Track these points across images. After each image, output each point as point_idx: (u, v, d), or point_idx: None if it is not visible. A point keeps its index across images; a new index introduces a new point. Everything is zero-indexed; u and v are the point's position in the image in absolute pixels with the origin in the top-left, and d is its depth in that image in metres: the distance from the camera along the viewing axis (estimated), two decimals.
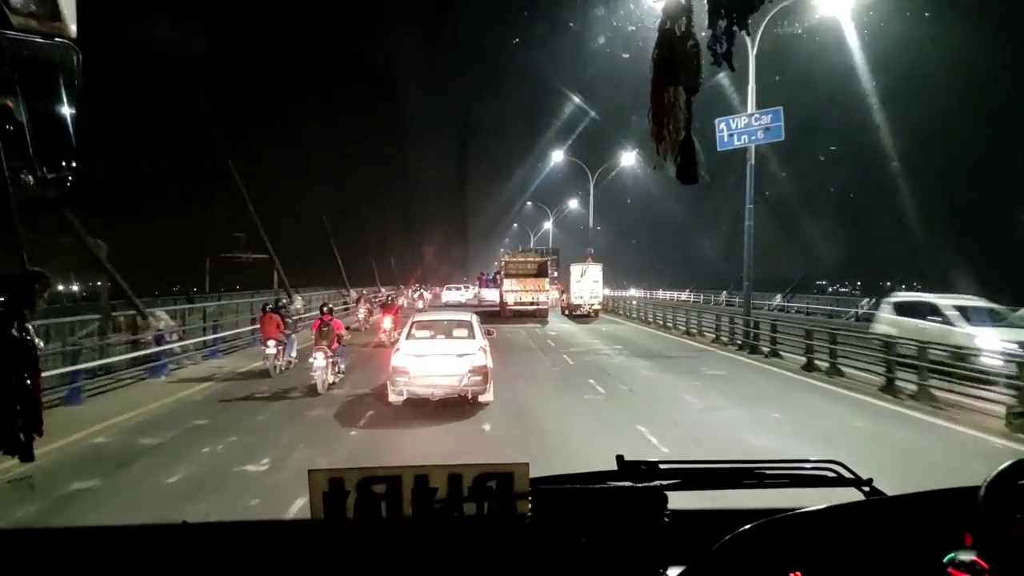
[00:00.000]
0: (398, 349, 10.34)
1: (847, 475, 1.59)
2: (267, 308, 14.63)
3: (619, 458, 1.60)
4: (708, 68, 1.15)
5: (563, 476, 1.56)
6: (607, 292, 39.42)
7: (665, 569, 1.34)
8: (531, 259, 34.49)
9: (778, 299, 35.90)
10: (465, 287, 51.63)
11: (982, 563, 1.27)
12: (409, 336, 10.91)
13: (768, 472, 1.59)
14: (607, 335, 24.27)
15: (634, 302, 40.18)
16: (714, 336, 21.29)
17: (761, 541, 1.34)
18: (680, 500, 1.56)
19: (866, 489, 1.58)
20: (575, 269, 33.76)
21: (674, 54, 1.13)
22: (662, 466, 1.56)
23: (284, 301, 19.65)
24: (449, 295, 47.40)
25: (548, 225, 59.91)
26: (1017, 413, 8.87)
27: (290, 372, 13.80)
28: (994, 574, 1.22)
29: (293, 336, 14.56)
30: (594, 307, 33.38)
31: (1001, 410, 9.39)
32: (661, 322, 27.80)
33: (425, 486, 1.46)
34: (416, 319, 11.79)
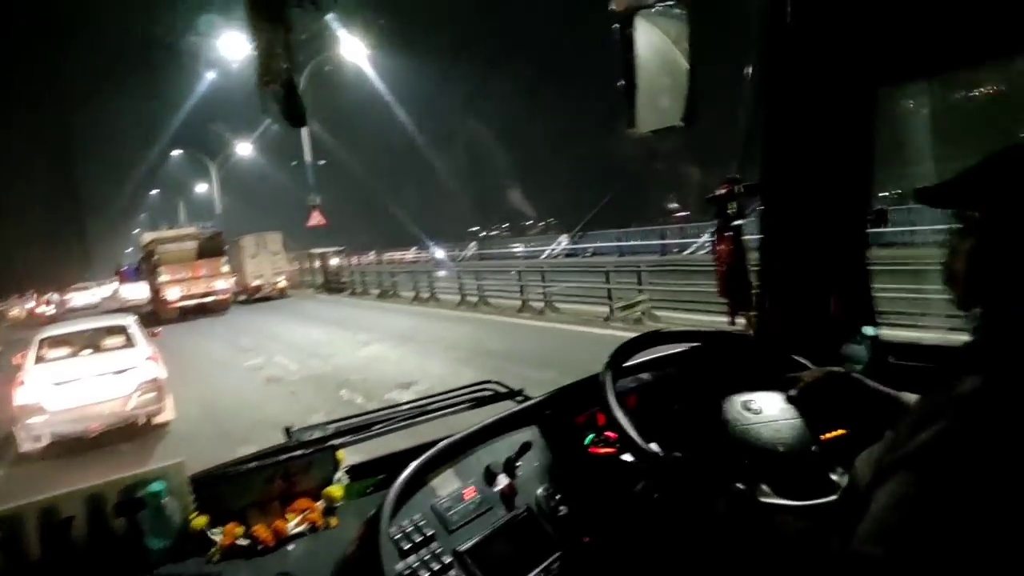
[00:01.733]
0: (22, 381, 7.86)
1: (501, 390, 1.76)
2: None
3: (286, 429, 1.55)
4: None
5: (227, 463, 1.45)
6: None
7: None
8: (190, 235, 25.92)
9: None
10: (99, 285, 40.32)
11: (611, 435, 1.52)
12: (39, 359, 8.42)
13: (432, 406, 1.69)
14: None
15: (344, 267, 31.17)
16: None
17: (431, 470, 1.41)
18: (359, 454, 1.57)
19: (520, 399, 1.77)
20: (247, 242, 27.42)
21: None
22: (331, 427, 1.55)
23: None
24: (79, 298, 35.34)
25: (206, 187, 44.81)
26: (622, 307, 11.71)
27: None
28: (622, 440, 1.44)
29: None
30: (278, 284, 27.32)
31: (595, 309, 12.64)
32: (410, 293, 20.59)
33: (54, 519, 1.23)
34: (45, 335, 9.08)
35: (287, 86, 1.04)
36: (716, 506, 1.15)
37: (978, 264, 0.99)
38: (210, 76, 36.41)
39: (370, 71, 29.48)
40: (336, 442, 1.52)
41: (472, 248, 34.16)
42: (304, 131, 26.00)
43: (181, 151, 45.81)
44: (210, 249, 24.39)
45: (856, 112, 1.68)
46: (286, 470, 1.42)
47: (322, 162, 29.28)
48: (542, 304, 14.25)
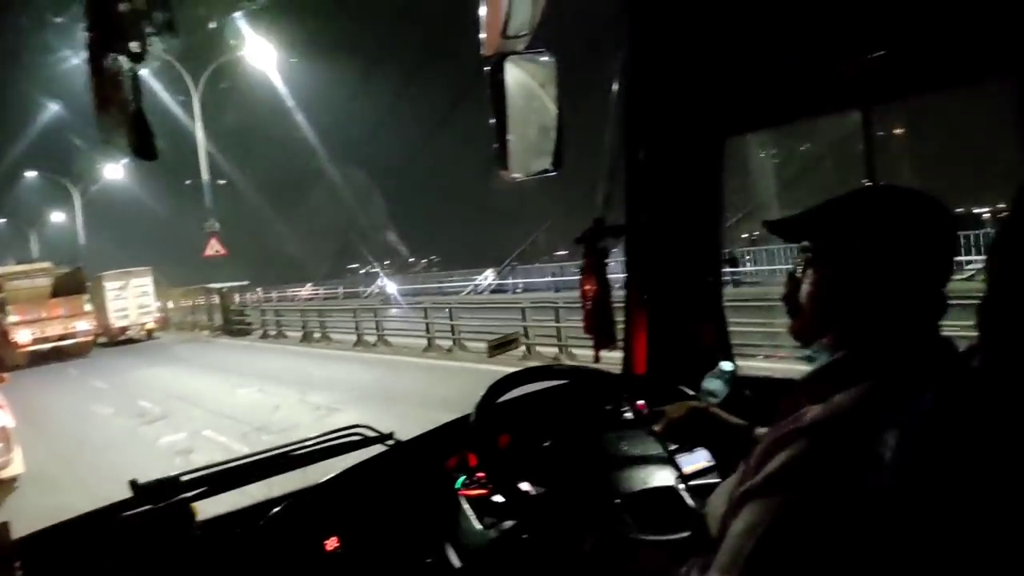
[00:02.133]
0: None
1: (371, 434, 1.70)
2: None
3: (132, 483, 1.41)
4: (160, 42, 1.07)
5: (62, 524, 1.31)
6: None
7: None
8: (44, 270, 22.95)
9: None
10: None
11: (483, 475, 1.51)
12: None
13: (297, 453, 1.60)
14: None
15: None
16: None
17: (288, 520, 1.34)
18: (218, 506, 1.47)
19: (390, 443, 1.71)
20: (111, 279, 24.31)
21: (111, 20, 1.01)
22: (184, 478, 1.43)
23: None
24: None
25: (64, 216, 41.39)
26: (494, 345, 11.57)
27: None
28: (493, 481, 1.44)
29: None
30: (146, 326, 24.51)
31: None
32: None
33: None
34: None
35: (134, 117, 0.98)
36: (583, 544, 1.17)
37: (817, 297, 1.07)
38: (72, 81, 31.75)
39: (278, 80, 27.84)
40: (189, 494, 1.41)
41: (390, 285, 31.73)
42: (201, 141, 24.25)
43: (35, 173, 39.63)
44: (68, 286, 21.74)
45: (707, 159, 1.82)
46: (130, 528, 1.30)
47: (221, 182, 26.91)
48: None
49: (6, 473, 7.02)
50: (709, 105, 1.75)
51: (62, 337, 20.88)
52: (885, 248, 0.99)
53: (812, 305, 1.08)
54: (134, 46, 0.99)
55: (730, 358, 1.91)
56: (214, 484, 1.46)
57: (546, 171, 1.76)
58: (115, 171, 33.87)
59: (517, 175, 1.75)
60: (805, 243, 1.11)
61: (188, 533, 1.35)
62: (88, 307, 21.73)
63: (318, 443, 1.64)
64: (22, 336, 20.33)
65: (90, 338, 21.65)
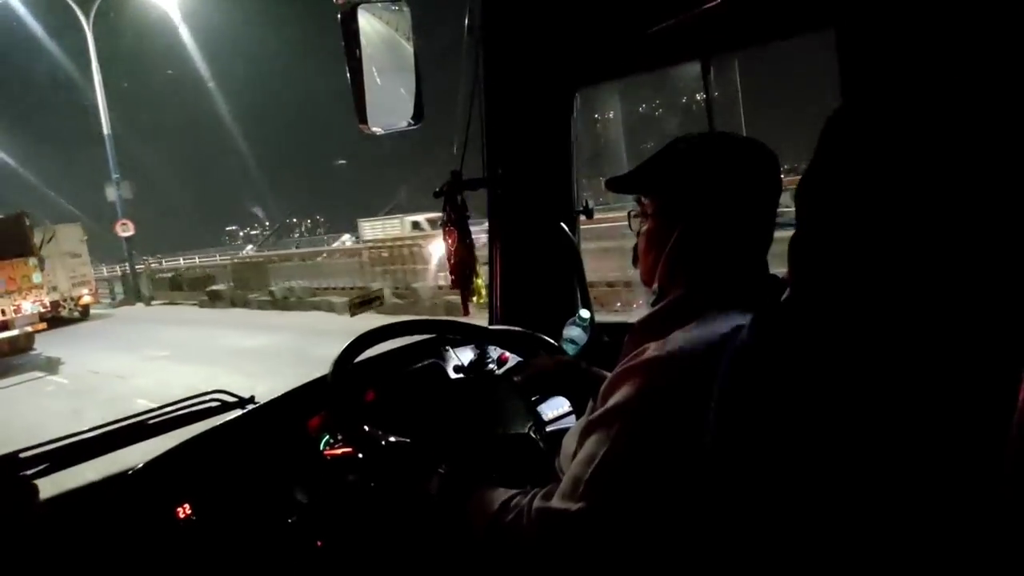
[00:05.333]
0: None
1: (229, 399, 1.64)
2: None
3: None
4: None
5: None
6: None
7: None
8: None
9: None
10: None
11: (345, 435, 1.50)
12: None
13: (151, 422, 1.52)
14: None
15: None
16: None
17: (135, 490, 1.29)
18: (69, 480, 1.37)
19: (250, 407, 1.66)
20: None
21: None
22: (24, 455, 1.32)
23: None
24: None
25: None
26: (356, 303, 11.33)
27: None
28: (346, 437, 1.42)
29: None
30: (81, 299, 17.31)
31: None
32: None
33: None
34: None
35: None
36: (429, 486, 1.20)
37: (653, 244, 1.15)
38: None
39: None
40: (29, 472, 1.30)
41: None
42: (99, 86, 21.04)
43: None
44: (5, 243, 13.82)
45: (558, 111, 1.89)
46: None
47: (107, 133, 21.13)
48: None
49: None
50: (558, 57, 1.81)
51: None
52: (704, 193, 1.08)
53: (647, 251, 1.17)
54: None
55: (588, 306, 2.02)
56: (57, 460, 1.36)
57: (406, 125, 1.74)
58: None
59: (376, 129, 1.71)
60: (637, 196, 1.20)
61: (27, 512, 1.25)
62: (38, 277, 14.15)
63: (173, 410, 1.56)
64: None
65: (40, 326, 13.71)
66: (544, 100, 1.89)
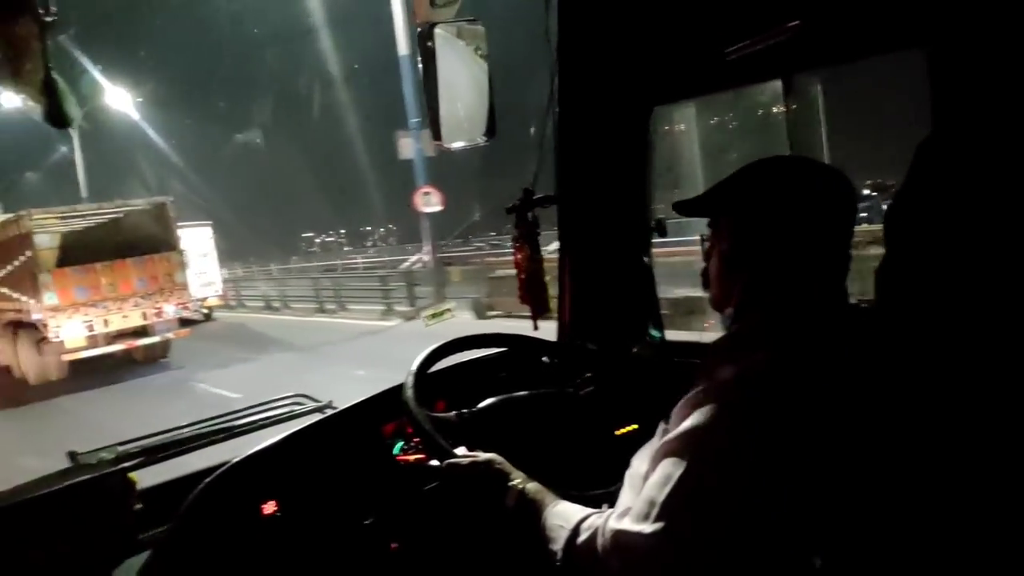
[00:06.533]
0: None
1: (310, 404, 1.71)
2: None
3: (70, 454, 1.40)
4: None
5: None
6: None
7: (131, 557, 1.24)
8: (100, 211, 11.82)
9: None
10: None
11: (419, 441, 1.53)
12: None
13: (237, 423, 1.60)
14: None
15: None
16: None
17: (226, 486, 1.35)
18: (158, 475, 1.46)
19: (329, 412, 1.72)
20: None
21: None
22: (121, 448, 1.43)
23: None
24: None
25: None
26: (431, 315, 11.38)
27: None
28: (427, 448, 1.46)
29: None
30: (208, 300, 16.30)
31: None
32: None
33: None
34: None
35: (45, 87, 0.93)
36: (505, 500, 1.20)
37: (728, 267, 1.14)
38: None
39: None
40: (127, 464, 1.40)
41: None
42: None
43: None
44: (149, 236, 11.81)
45: (634, 129, 1.87)
46: (68, 498, 1.29)
47: None
48: None
49: None
50: (635, 75, 1.78)
51: (138, 332, 11.56)
52: (776, 219, 1.06)
53: (718, 276, 1.16)
54: (41, 10, 0.94)
55: (659, 325, 1.98)
56: (151, 454, 1.46)
57: (479, 141, 1.77)
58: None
59: (450, 144, 1.75)
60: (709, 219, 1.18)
61: (127, 503, 1.34)
62: (182, 275, 12.20)
63: (257, 413, 1.64)
64: (68, 331, 10.67)
65: (183, 332, 12.24)
66: (620, 117, 1.86)
